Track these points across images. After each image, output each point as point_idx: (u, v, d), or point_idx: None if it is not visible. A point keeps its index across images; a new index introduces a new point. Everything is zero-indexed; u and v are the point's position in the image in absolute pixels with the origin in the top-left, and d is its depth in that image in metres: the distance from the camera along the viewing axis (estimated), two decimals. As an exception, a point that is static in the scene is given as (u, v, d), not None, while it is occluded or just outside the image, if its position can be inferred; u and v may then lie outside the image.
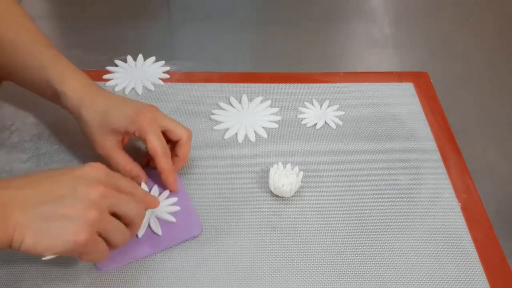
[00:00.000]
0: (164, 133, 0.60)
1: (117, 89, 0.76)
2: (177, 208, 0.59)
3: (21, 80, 0.65)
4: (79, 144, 0.65)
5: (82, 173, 0.49)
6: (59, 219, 0.46)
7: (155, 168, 0.61)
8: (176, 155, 0.61)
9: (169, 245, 0.57)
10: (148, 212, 0.58)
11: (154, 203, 0.56)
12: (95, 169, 0.50)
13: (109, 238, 0.49)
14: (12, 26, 0.63)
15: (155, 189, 0.61)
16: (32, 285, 0.53)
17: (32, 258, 0.55)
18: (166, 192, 0.61)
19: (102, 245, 0.49)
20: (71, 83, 0.60)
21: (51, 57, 0.62)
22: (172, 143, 0.61)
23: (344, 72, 0.80)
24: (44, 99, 0.64)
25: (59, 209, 0.46)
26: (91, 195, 0.47)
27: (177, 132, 0.60)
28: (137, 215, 0.51)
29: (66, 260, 0.55)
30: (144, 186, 0.60)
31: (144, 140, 0.59)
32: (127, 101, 0.61)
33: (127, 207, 0.50)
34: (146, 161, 0.63)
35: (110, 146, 0.59)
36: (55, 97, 0.61)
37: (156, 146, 0.58)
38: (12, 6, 0.65)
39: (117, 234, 0.50)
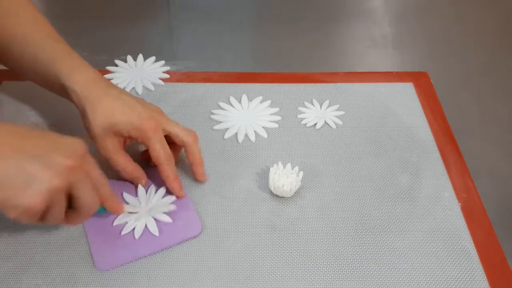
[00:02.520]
0: (169, 137, 0.60)
1: (117, 89, 0.76)
2: (173, 207, 0.59)
3: (32, 74, 0.64)
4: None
5: (64, 142, 0.50)
6: (26, 175, 0.46)
7: (155, 166, 0.60)
8: (187, 160, 0.62)
9: (168, 245, 0.57)
10: (145, 213, 0.58)
11: (116, 209, 0.56)
12: (77, 145, 0.50)
13: (46, 214, 0.49)
14: (24, 21, 0.63)
15: (152, 188, 0.61)
16: (31, 285, 0.53)
17: (32, 258, 0.55)
18: (163, 191, 0.61)
19: (40, 215, 0.48)
20: (79, 77, 0.59)
21: (61, 51, 0.62)
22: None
23: (344, 72, 0.80)
24: (55, 94, 0.64)
25: (29, 166, 0.46)
26: (62, 164, 0.47)
27: (181, 138, 0.60)
28: (87, 208, 0.51)
29: (66, 260, 0.55)
30: (141, 188, 0.60)
31: (147, 147, 0.59)
32: (134, 104, 0.60)
33: (84, 194, 0.50)
34: (146, 155, 0.63)
35: (112, 147, 0.59)
36: (63, 91, 0.61)
37: (159, 154, 0.58)
38: (25, 2, 0.65)
39: (53, 216, 0.49)
